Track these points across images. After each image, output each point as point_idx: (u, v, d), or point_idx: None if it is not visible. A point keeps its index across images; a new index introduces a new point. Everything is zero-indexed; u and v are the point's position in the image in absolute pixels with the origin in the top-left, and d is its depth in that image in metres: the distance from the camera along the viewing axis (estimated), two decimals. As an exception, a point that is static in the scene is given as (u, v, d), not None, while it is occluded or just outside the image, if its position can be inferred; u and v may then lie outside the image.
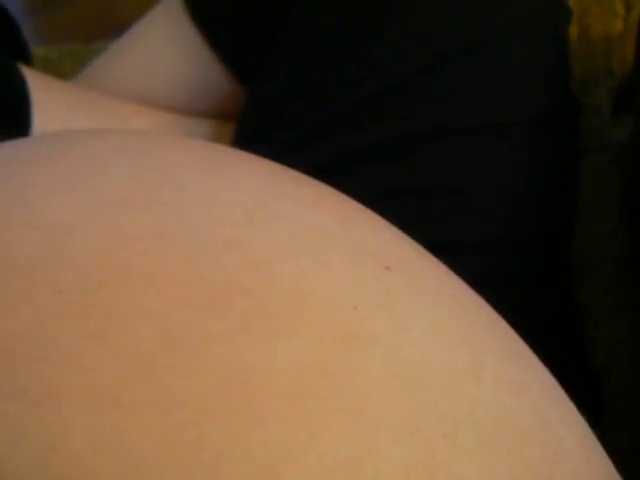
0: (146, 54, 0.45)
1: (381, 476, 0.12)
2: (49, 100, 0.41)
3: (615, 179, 0.42)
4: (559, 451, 0.14)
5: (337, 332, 0.13)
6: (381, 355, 0.13)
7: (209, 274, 0.14)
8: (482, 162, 0.35)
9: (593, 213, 0.42)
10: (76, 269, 0.13)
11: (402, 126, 0.35)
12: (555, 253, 0.37)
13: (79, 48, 0.60)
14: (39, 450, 0.11)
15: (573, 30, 0.45)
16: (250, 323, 0.13)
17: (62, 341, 0.12)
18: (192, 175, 0.16)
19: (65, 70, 0.56)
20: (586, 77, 0.44)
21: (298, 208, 0.16)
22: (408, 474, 0.12)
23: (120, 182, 0.15)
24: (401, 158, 0.35)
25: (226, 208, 0.15)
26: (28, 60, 0.46)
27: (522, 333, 0.18)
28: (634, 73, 0.39)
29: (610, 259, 0.42)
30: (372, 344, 0.13)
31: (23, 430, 0.12)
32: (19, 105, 0.39)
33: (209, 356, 0.12)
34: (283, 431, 0.12)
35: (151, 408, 0.12)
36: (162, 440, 0.12)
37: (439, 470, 0.12)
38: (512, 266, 0.35)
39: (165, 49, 0.44)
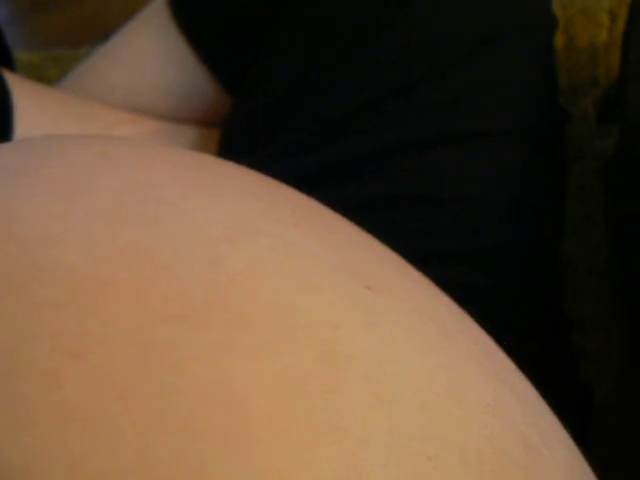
0: (131, 60, 0.44)
1: None
2: (32, 106, 0.41)
3: (602, 189, 0.42)
4: (541, 473, 0.14)
5: (319, 350, 0.13)
6: (363, 374, 0.13)
7: (189, 289, 0.13)
8: (472, 172, 0.35)
9: (580, 223, 0.42)
10: (54, 283, 0.13)
11: (394, 135, 0.35)
12: (543, 262, 0.37)
13: (64, 54, 0.59)
14: (13, 470, 0.11)
15: (559, 39, 0.45)
16: (231, 339, 0.13)
17: (37, 357, 0.12)
18: (174, 190, 0.16)
19: (49, 76, 0.56)
20: (572, 87, 0.44)
21: (279, 226, 0.16)
22: None
23: (102, 194, 0.15)
24: (392, 167, 0.35)
25: (207, 225, 0.15)
26: (11, 65, 0.46)
27: (509, 344, 0.18)
28: (619, 83, 0.39)
29: (598, 268, 0.42)
30: (354, 363, 0.13)
31: None
32: (1, 111, 0.38)
33: (189, 373, 0.12)
34: (264, 451, 0.12)
35: (127, 428, 0.11)
36: (138, 461, 0.11)
37: None
38: (501, 275, 0.35)
39: (151, 55, 0.44)
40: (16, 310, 0.13)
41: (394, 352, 0.14)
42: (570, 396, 0.36)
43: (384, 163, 0.35)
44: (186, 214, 0.15)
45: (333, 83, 0.36)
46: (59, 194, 0.15)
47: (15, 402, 0.12)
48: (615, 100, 0.41)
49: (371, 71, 0.36)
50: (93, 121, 0.42)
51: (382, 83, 0.35)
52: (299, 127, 0.36)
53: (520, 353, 0.18)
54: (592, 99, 0.43)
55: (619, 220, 0.39)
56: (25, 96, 0.40)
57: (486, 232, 0.34)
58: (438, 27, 0.35)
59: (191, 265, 0.14)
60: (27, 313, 0.13)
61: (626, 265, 0.38)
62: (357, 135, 0.35)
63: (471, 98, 0.35)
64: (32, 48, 0.66)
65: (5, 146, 0.18)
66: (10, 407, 0.12)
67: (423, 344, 0.15)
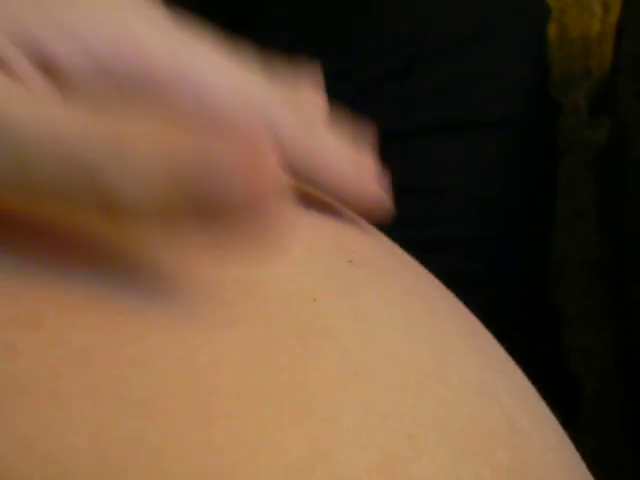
0: None
1: None
2: None
3: (592, 181, 0.42)
4: (529, 454, 0.13)
5: (293, 324, 0.12)
6: (340, 351, 0.12)
7: (154, 258, 0.13)
8: (463, 162, 0.35)
9: (570, 216, 0.42)
10: (14, 253, 0.12)
11: (381, 124, 0.34)
12: (533, 254, 0.37)
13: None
14: None
15: (552, 30, 0.44)
16: (197, 310, 0.12)
17: None
18: None
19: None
20: (564, 78, 0.44)
21: None
22: (367, 479, 0.11)
23: None
24: (378, 156, 0.34)
25: None
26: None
27: (497, 333, 0.18)
28: (611, 76, 0.39)
29: (588, 262, 0.41)
30: (331, 339, 0.13)
31: None
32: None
33: (151, 345, 0.11)
34: (230, 431, 0.11)
35: (85, 401, 0.11)
36: (95, 437, 0.10)
37: (401, 474, 0.12)
38: (490, 266, 0.35)
39: None
40: None
41: (374, 328, 0.13)
42: (557, 391, 0.36)
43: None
44: None
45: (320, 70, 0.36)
46: None
47: None
48: (607, 92, 0.40)
49: (357, 61, 0.35)
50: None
51: (368, 72, 0.35)
52: None
53: (506, 342, 0.18)
54: (584, 90, 0.43)
55: (609, 212, 0.39)
56: None
57: (475, 221, 0.34)
58: (427, 17, 0.35)
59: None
60: None
61: (616, 258, 0.37)
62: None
63: (459, 89, 0.35)
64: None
65: None
66: None
67: (406, 321, 0.14)
